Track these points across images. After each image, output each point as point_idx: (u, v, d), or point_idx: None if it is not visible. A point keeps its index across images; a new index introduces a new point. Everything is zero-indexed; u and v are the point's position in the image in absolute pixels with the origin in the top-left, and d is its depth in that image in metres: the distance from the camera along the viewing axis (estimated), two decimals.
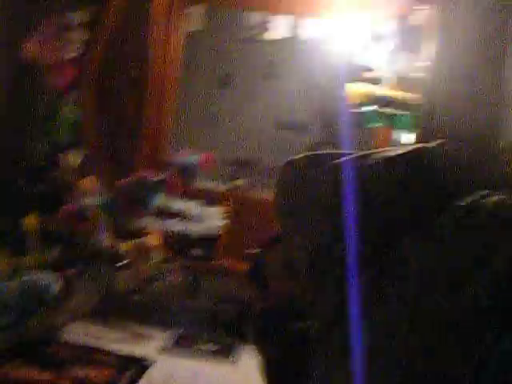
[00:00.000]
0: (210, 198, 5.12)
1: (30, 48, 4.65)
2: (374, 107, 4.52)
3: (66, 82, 4.87)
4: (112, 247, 4.47)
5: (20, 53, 4.65)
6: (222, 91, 6.37)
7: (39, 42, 4.67)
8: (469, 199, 1.51)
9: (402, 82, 4.47)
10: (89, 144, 4.88)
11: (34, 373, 3.34)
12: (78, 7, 4.71)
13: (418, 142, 4.13)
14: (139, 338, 4.12)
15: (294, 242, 1.72)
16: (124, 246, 4.50)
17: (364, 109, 4.57)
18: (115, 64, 4.99)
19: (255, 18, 5.44)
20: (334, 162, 1.75)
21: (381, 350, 1.40)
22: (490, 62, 3.98)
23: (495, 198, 1.49)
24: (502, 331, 1.29)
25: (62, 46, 4.75)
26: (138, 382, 3.47)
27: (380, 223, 1.54)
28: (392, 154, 1.70)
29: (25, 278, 3.76)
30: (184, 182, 5.18)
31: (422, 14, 4.58)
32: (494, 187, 1.58)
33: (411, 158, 1.69)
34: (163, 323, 4.34)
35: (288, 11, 5.28)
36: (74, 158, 4.72)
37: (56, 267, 4.16)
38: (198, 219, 4.98)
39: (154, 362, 3.72)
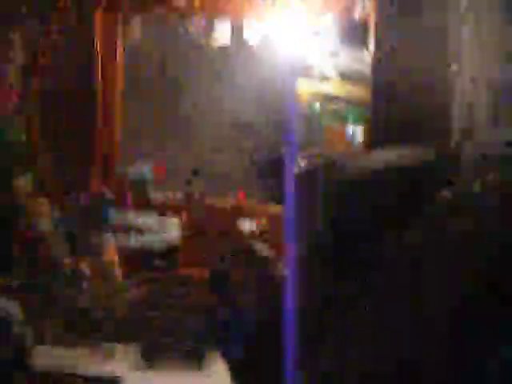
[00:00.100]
0: (166, 209, 5.17)
1: None
2: (322, 104, 4.62)
3: (10, 106, 4.89)
4: (72, 266, 4.48)
5: None
6: (166, 98, 6.40)
7: None
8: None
9: (346, 76, 4.58)
10: (38, 166, 4.89)
11: None
12: (15, 27, 4.72)
13: (370, 135, 4.28)
14: (107, 355, 4.13)
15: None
16: (84, 264, 4.51)
17: (312, 107, 4.67)
18: (59, 82, 5.02)
19: (198, 23, 5.51)
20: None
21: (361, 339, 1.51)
22: (435, 50, 4.12)
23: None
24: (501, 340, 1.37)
25: (3, 68, 4.76)
26: None
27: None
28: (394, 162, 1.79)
29: None
30: (138, 195, 5.22)
31: (363, 8, 4.69)
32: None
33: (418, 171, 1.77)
34: (130, 338, 4.35)
35: (228, 15, 5.38)
36: (25, 181, 4.72)
37: (17, 291, 4.15)
38: (156, 231, 5.02)
39: (123, 379, 3.72)
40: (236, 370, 2.19)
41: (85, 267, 4.47)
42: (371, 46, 4.37)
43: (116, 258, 4.71)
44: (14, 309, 3.87)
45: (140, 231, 5.01)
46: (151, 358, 4.16)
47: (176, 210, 5.17)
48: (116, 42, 5.38)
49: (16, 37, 4.76)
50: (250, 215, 5.23)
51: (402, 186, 1.65)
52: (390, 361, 1.53)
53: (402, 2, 4.10)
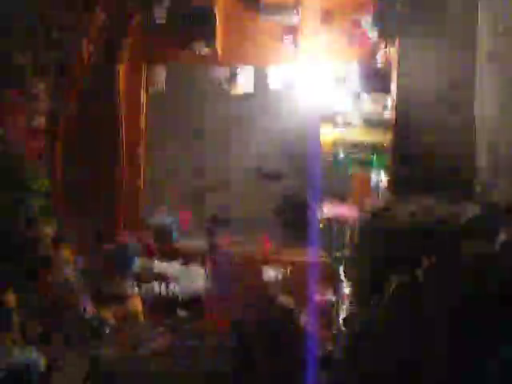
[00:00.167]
0: (191, 257, 5.21)
1: None
2: (347, 151, 4.65)
3: (35, 153, 4.98)
4: (96, 315, 4.53)
5: None
6: (192, 146, 6.49)
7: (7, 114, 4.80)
8: None
9: (370, 123, 4.62)
10: (63, 214, 4.97)
11: None
12: (40, 78, 4.83)
13: (393, 180, 4.30)
14: None
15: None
16: (108, 313, 4.56)
17: (337, 153, 4.70)
18: (83, 131, 5.11)
19: (223, 72, 5.62)
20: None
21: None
22: (456, 88, 4.15)
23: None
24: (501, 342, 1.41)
25: (29, 116, 4.87)
26: None
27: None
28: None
29: (10, 358, 3.82)
30: (163, 243, 5.28)
31: (383, 56, 4.76)
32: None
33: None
34: None
35: (253, 63, 5.49)
36: (50, 229, 4.80)
37: (41, 341, 4.20)
38: (181, 280, 5.06)
39: None
40: None
41: (110, 317, 4.52)
42: (393, 92, 4.42)
43: (141, 308, 4.76)
44: (37, 360, 3.93)
45: (165, 280, 5.06)
46: None
47: (201, 259, 5.21)
48: (140, 91, 5.48)
49: (42, 88, 4.87)
50: (275, 263, 5.25)
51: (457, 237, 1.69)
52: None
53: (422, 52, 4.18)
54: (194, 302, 5.00)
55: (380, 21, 4.61)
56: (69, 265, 4.67)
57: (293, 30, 5.22)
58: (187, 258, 5.22)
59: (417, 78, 4.25)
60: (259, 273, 5.13)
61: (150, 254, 5.08)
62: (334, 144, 4.68)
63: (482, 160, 3.76)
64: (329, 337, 4.13)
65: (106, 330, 4.47)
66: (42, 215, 4.81)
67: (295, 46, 5.24)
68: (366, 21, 4.82)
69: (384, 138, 4.53)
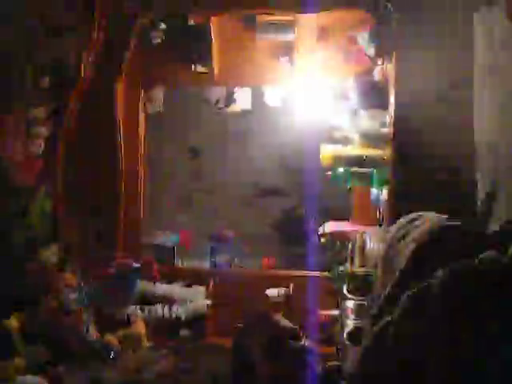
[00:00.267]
0: (193, 278, 5.27)
1: None
2: (347, 168, 4.72)
3: (35, 177, 5.05)
4: (99, 339, 4.58)
5: None
6: (192, 163, 6.58)
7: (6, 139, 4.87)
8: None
9: (368, 138, 4.69)
10: (64, 237, 5.03)
11: None
12: (39, 103, 4.91)
13: (393, 193, 4.37)
14: None
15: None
16: (111, 337, 4.61)
17: (336, 170, 4.76)
18: (84, 150, 5.17)
19: (219, 91, 5.70)
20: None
21: None
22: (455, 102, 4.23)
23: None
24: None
25: (29, 141, 4.94)
26: None
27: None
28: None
29: None
30: (163, 264, 5.33)
31: (379, 72, 4.84)
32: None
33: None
34: None
35: (249, 83, 5.59)
36: (51, 253, 4.86)
37: (44, 366, 4.25)
38: (183, 300, 5.11)
39: None
40: None
41: (114, 341, 4.57)
42: (391, 107, 4.50)
43: (144, 330, 4.80)
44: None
45: (166, 301, 5.10)
46: None
47: (203, 279, 5.27)
48: (138, 111, 5.54)
49: (39, 113, 4.95)
50: (276, 282, 5.30)
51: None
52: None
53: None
54: (196, 322, 5.07)
55: (377, 37, 4.70)
56: (71, 288, 4.73)
57: (289, 48, 5.26)
58: (188, 279, 5.28)
59: (414, 94, 4.34)
60: (260, 291, 5.18)
61: (151, 276, 5.14)
62: (333, 159, 4.73)
63: (483, 170, 3.83)
64: (330, 352, 4.21)
65: (110, 354, 4.51)
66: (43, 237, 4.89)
67: (291, 64, 5.28)
68: (363, 37, 4.87)
69: (383, 152, 4.60)
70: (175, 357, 4.76)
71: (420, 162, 4.34)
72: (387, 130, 4.61)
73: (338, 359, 3.82)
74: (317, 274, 5.16)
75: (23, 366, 4.13)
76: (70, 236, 5.06)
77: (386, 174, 4.55)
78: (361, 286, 4.04)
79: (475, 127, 3.95)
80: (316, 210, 5.29)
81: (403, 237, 2.04)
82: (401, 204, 4.21)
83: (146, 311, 4.99)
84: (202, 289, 5.18)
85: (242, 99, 5.75)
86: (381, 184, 4.67)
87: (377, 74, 4.90)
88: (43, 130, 5.01)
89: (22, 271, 4.72)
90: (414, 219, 2.11)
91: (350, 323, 3.96)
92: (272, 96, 5.65)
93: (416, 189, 4.27)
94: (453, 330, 1.55)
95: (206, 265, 5.53)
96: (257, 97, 5.75)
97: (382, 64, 4.79)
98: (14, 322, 4.36)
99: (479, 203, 3.77)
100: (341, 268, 4.41)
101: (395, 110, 4.42)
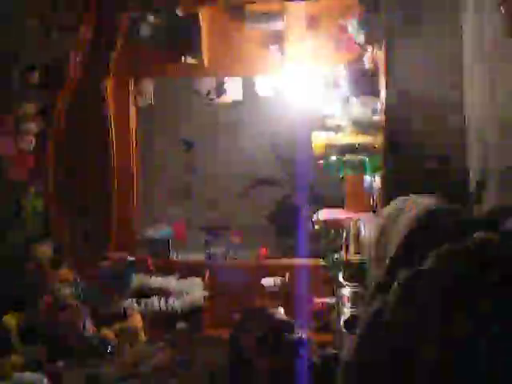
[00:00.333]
0: (188, 270, 5.30)
1: None
2: (339, 155, 4.73)
3: (27, 173, 5.07)
4: (96, 334, 4.60)
5: None
6: (185, 156, 6.60)
7: None
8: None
9: (360, 126, 4.71)
10: (58, 233, 5.06)
11: None
12: (29, 99, 4.93)
13: (385, 181, 4.41)
14: None
15: None
16: (108, 332, 4.63)
17: (329, 158, 4.77)
18: (73, 149, 5.19)
19: (209, 82, 5.72)
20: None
21: None
22: (446, 83, 4.26)
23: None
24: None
25: (20, 137, 4.97)
26: None
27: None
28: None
29: (12, 381, 3.90)
30: (159, 257, 5.36)
31: (369, 58, 4.86)
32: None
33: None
34: None
35: (239, 73, 5.61)
36: (45, 249, 4.89)
37: (42, 363, 4.27)
38: (179, 292, 5.14)
39: None
40: None
41: (111, 335, 4.60)
42: (382, 94, 4.53)
43: (140, 323, 4.83)
44: (40, 381, 4.01)
45: (162, 293, 5.13)
46: None
47: (198, 271, 5.30)
48: (128, 105, 5.55)
49: (30, 109, 4.97)
50: (273, 271, 5.34)
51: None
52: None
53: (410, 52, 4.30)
54: (193, 314, 5.10)
55: (366, 25, 4.71)
56: (67, 284, 4.76)
57: (279, 37, 5.27)
58: (184, 271, 5.31)
59: (405, 80, 4.37)
60: (257, 281, 5.22)
61: (146, 269, 5.17)
62: (325, 147, 4.75)
63: (473, 158, 3.87)
64: (327, 340, 4.25)
65: (107, 349, 4.53)
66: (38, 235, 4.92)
67: (282, 53, 5.29)
68: (352, 25, 4.89)
69: (375, 139, 4.62)
70: (172, 349, 4.79)
71: (411, 150, 4.37)
72: (379, 118, 4.63)
73: (334, 347, 3.86)
74: (312, 262, 5.19)
75: (20, 363, 4.16)
76: (61, 236, 5.09)
77: (379, 161, 4.57)
78: (356, 273, 4.07)
79: (466, 114, 3.99)
80: (309, 199, 5.32)
81: (393, 223, 2.07)
82: (392, 192, 4.24)
83: (143, 304, 5.02)
84: (198, 280, 5.21)
85: (233, 90, 5.77)
86: (373, 171, 4.68)
87: (367, 61, 4.92)
88: (33, 126, 5.03)
89: (18, 269, 4.75)
90: (402, 206, 2.13)
91: (347, 311, 3.99)
92: (263, 86, 5.66)
93: (407, 177, 4.29)
94: (445, 309, 1.58)
95: (201, 257, 5.55)
96: (248, 87, 5.76)
97: (372, 51, 4.80)
98: (11, 320, 4.39)
99: (470, 191, 3.82)
100: (336, 256, 4.44)
101: (386, 98, 4.44)
